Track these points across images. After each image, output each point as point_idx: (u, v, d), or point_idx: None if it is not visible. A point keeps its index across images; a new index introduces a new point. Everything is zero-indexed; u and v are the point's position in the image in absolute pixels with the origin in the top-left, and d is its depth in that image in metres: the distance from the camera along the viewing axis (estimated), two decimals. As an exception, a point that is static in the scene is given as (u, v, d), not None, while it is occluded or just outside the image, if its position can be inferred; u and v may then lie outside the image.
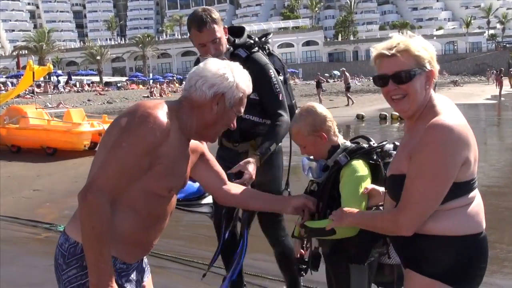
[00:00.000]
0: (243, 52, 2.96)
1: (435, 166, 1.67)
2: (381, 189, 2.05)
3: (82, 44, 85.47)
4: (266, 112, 3.01)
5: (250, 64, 2.92)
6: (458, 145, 1.67)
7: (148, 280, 1.96)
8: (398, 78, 1.73)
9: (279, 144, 3.15)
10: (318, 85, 26.09)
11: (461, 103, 22.65)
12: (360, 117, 18.06)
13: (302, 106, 2.32)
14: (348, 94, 24.24)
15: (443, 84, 40.73)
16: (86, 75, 56.43)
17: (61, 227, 5.57)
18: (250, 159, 2.70)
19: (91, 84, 50.21)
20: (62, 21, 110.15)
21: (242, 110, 1.90)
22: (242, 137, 3.04)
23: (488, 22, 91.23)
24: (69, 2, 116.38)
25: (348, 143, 2.25)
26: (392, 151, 2.20)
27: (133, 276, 1.82)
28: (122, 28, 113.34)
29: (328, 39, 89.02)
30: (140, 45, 70.10)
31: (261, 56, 3.04)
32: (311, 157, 2.34)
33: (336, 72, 62.19)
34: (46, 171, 9.36)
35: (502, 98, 26.49)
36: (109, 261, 1.59)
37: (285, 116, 3.00)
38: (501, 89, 28.16)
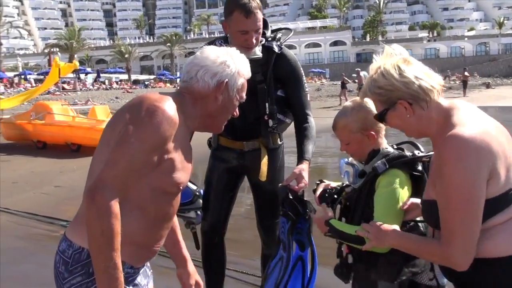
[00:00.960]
0: (276, 46, 2.79)
1: (460, 189, 1.50)
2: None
3: (111, 42, 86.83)
4: (293, 111, 2.86)
5: (283, 59, 2.80)
6: (478, 157, 1.49)
7: (150, 286, 1.84)
8: (378, 120, 1.77)
9: (283, 142, 3.01)
10: (343, 86, 25.36)
11: (493, 105, 21.97)
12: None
13: (353, 100, 2.15)
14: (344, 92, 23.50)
15: (474, 86, 39.60)
16: (115, 72, 57.17)
17: (78, 225, 5.50)
18: (303, 166, 2.59)
19: (119, 82, 50.85)
20: (93, 20, 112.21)
21: (244, 96, 1.81)
22: (251, 134, 2.86)
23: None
24: (100, 1, 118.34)
25: (391, 149, 2.07)
26: None
27: (139, 280, 1.73)
28: (151, 27, 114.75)
29: (356, 39, 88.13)
30: (168, 44, 70.58)
31: (291, 52, 2.89)
32: (349, 159, 2.18)
33: (365, 73, 61.56)
34: (69, 168, 9.38)
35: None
36: (119, 266, 1.46)
37: (312, 117, 2.87)
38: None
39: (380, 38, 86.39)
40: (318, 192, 2.21)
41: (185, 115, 1.66)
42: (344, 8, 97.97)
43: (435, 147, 1.67)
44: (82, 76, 45.00)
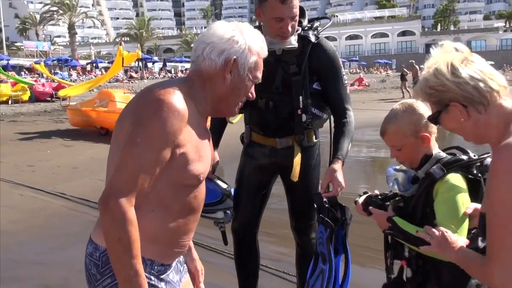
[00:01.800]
0: (312, 35, 2.59)
1: (505, 205, 1.33)
2: None
3: (179, 32, 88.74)
4: (331, 105, 2.66)
5: (319, 50, 2.60)
6: None
7: (185, 280, 1.78)
8: (430, 122, 1.63)
9: (319, 140, 2.81)
10: (403, 78, 23.85)
11: None
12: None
13: (401, 102, 2.01)
14: (410, 88, 21.74)
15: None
16: (181, 62, 58.33)
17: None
18: (335, 166, 2.41)
19: (184, 71, 51.87)
20: (162, 10, 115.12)
21: (260, 76, 1.66)
22: (284, 130, 2.67)
23: None
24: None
25: (443, 154, 1.94)
26: None
27: (171, 277, 1.66)
28: (217, 17, 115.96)
29: (426, 29, 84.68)
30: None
31: (329, 43, 2.68)
32: (398, 166, 2.02)
33: (422, 66, 58.99)
34: (126, 154, 9.59)
35: None
36: (141, 272, 1.42)
37: (352, 111, 2.66)
38: None
39: (452, 28, 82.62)
40: (361, 200, 2.06)
41: (196, 101, 1.56)
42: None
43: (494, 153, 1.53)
44: (149, 64, 46.25)
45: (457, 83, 1.46)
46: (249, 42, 1.59)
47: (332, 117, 2.71)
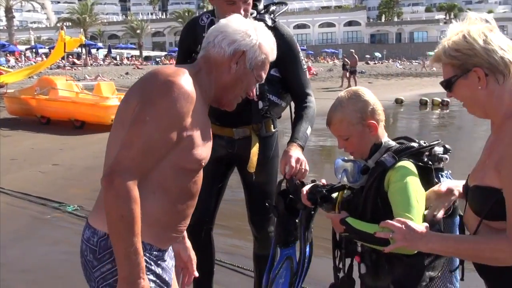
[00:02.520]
0: (269, 19, 2.47)
1: None
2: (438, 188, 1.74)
3: (124, 17, 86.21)
4: (291, 91, 2.54)
5: (276, 34, 2.43)
6: None
7: (172, 266, 1.75)
8: (444, 87, 1.61)
9: (277, 130, 2.69)
10: (344, 67, 24.02)
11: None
12: (399, 102, 17.24)
13: (346, 90, 1.94)
14: (352, 77, 22.23)
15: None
16: (126, 48, 56.82)
17: (70, 207, 5.32)
18: (287, 148, 2.26)
19: (130, 58, 50.54)
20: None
21: (264, 76, 1.69)
22: (241, 119, 2.52)
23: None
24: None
25: (392, 142, 1.89)
26: (442, 155, 1.82)
27: (167, 263, 1.65)
28: (164, 3, 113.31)
29: (371, 20, 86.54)
30: (180, 20, 69.72)
31: (286, 27, 2.57)
32: (347, 157, 1.94)
33: (378, 54, 60.62)
34: (70, 145, 9.18)
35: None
36: (140, 251, 1.42)
37: (313, 96, 2.55)
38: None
39: (395, 19, 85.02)
40: (307, 188, 1.97)
41: (201, 87, 1.57)
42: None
43: (500, 128, 1.53)
44: (93, 51, 44.74)
45: (487, 50, 1.47)
46: (261, 40, 1.63)
47: (292, 105, 2.61)
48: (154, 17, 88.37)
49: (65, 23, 56.63)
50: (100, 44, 54.05)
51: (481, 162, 1.58)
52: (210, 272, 2.91)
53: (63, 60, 28.98)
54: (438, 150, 1.85)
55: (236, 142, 2.60)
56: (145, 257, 1.46)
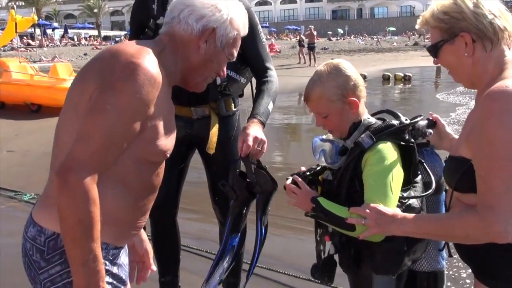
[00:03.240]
0: None
1: (506, 145, 1.27)
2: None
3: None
4: (250, 66, 2.40)
5: None
6: None
7: (126, 261, 1.62)
8: (430, 53, 1.53)
9: (238, 109, 2.55)
10: (300, 44, 23.95)
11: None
12: (362, 77, 17.34)
13: (326, 63, 1.78)
14: (312, 54, 22.17)
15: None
16: (83, 28, 55.02)
17: (26, 196, 5.06)
18: (247, 125, 2.09)
19: (88, 38, 48.97)
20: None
21: (235, 54, 1.55)
22: (199, 98, 2.35)
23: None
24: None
25: (372, 119, 1.78)
26: (427, 130, 1.74)
27: (123, 259, 1.52)
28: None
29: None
30: (140, -2, 67.99)
31: None
32: (325, 136, 1.81)
33: (340, 30, 60.82)
34: (26, 130, 8.79)
35: None
36: (100, 257, 1.27)
37: (274, 71, 2.41)
38: None
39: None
40: (289, 181, 1.82)
41: (166, 69, 1.40)
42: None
43: (478, 100, 1.45)
44: (49, 31, 43.10)
45: (476, 13, 1.40)
46: (233, 14, 1.47)
47: (254, 81, 2.46)
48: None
49: (16, 3, 54.30)
50: (55, 24, 52.22)
51: (460, 134, 1.53)
52: (176, 259, 2.77)
53: (16, 42, 27.77)
54: (422, 124, 1.75)
55: (195, 122, 2.46)
56: None
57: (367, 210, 1.49)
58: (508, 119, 1.28)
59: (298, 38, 24.80)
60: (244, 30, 1.54)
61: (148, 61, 1.31)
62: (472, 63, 1.43)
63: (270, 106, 2.28)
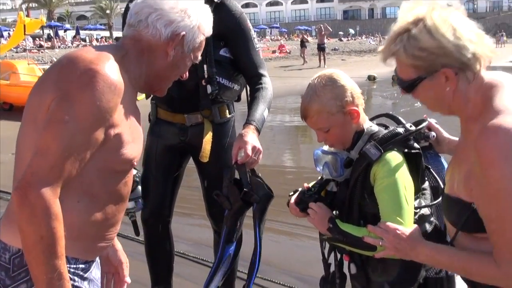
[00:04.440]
0: None
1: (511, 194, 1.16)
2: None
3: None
4: (244, 72, 2.34)
5: (223, 11, 2.26)
6: None
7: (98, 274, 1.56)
8: (402, 88, 1.37)
9: (233, 116, 2.49)
10: (302, 44, 23.60)
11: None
12: (371, 79, 17.17)
13: (318, 75, 1.70)
14: (322, 54, 21.72)
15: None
16: (95, 29, 55.36)
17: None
18: (243, 131, 2.04)
19: (100, 39, 49.29)
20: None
21: (199, 56, 1.52)
22: (192, 105, 2.33)
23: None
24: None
25: (375, 127, 1.71)
26: (429, 133, 1.66)
27: (94, 274, 1.45)
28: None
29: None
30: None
31: (235, 3, 2.34)
32: (326, 148, 1.74)
33: (351, 30, 60.53)
34: (33, 132, 8.77)
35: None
36: (65, 274, 1.22)
37: (268, 77, 2.34)
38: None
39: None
40: (294, 199, 1.77)
41: (129, 74, 1.36)
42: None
43: (466, 130, 1.35)
44: (61, 32, 43.48)
45: (458, 46, 1.24)
46: (201, 19, 1.44)
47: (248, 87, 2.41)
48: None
49: (30, 4, 54.90)
50: (68, 26, 52.67)
51: (450, 167, 1.44)
52: (169, 268, 2.73)
53: (29, 43, 28.02)
54: (424, 125, 1.70)
55: (188, 129, 2.41)
56: (69, 273, 1.27)
57: (386, 234, 1.43)
58: (507, 166, 1.18)
59: (301, 38, 24.37)
60: (209, 32, 1.50)
61: (108, 67, 1.26)
62: (452, 95, 1.31)
63: (266, 113, 2.23)
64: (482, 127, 1.21)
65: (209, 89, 2.26)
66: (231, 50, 2.31)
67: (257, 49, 2.36)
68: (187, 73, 1.55)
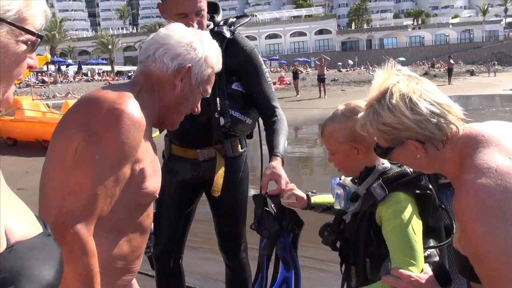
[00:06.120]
0: (227, 30, 2.32)
1: (492, 257, 1.18)
2: None
3: (94, 33, 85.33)
4: (257, 106, 2.39)
5: (235, 46, 2.33)
6: (503, 213, 1.17)
7: None
8: (377, 154, 1.49)
9: (246, 150, 2.52)
10: (295, 76, 23.35)
11: (477, 94, 21.73)
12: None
13: (349, 102, 1.75)
14: (322, 85, 21.54)
15: (459, 73, 39.49)
16: (97, 64, 56.07)
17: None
18: (274, 163, 2.09)
19: (102, 74, 49.85)
20: (75, 10, 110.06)
21: (210, 90, 1.55)
22: (205, 140, 2.36)
23: (506, 10, 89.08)
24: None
25: (388, 164, 1.69)
26: None
27: None
28: (134, 17, 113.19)
29: (342, 28, 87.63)
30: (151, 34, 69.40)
31: (246, 39, 2.42)
32: (341, 179, 1.78)
33: (350, 62, 61.22)
34: (37, 167, 8.77)
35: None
36: None
37: (281, 109, 2.40)
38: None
39: (365, 26, 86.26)
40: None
41: (145, 110, 1.38)
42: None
43: (454, 187, 1.35)
44: (63, 68, 44.03)
45: (418, 121, 1.30)
46: (207, 52, 1.47)
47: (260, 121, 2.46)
48: (125, 31, 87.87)
49: (33, 41, 55.65)
50: (70, 61, 53.30)
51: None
52: None
53: (32, 79, 28.35)
54: None
55: (201, 165, 2.42)
56: None
57: (399, 279, 1.44)
58: (482, 228, 1.19)
59: (293, 69, 24.36)
60: (218, 67, 1.54)
61: (131, 105, 1.30)
62: (428, 160, 1.36)
63: (286, 144, 2.29)
64: (456, 189, 1.26)
65: (222, 121, 2.29)
66: (244, 84, 2.35)
67: (269, 83, 2.41)
68: (200, 107, 1.59)
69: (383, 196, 1.57)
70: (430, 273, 1.46)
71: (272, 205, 2.00)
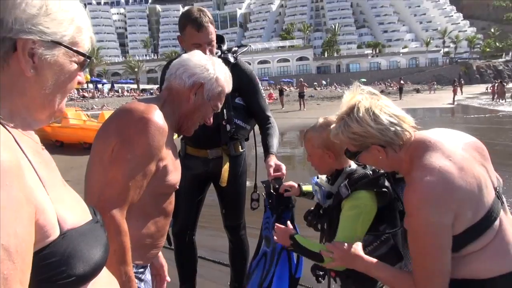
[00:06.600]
0: (231, 57, 2.35)
1: (423, 240, 1.21)
2: None
3: (123, 58, 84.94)
4: (255, 116, 2.41)
5: (238, 70, 2.33)
6: (439, 206, 1.19)
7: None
8: (347, 157, 1.50)
9: (245, 151, 2.54)
10: (281, 93, 24.11)
11: (422, 107, 21.88)
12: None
13: (326, 117, 1.74)
14: (302, 100, 22.21)
15: (408, 91, 39.71)
16: (126, 83, 55.75)
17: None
18: (272, 158, 2.14)
19: (129, 91, 49.60)
20: (108, 41, 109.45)
21: (220, 106, 1.52)
22: (213, 142, 2.39)
23: (444, 42, 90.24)
24: (114, 26, 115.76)
25: (354, 166, 1.68)
26: None
27: (148, 276, 1.48)
28: (155, 46, 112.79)
29: (317, 55, 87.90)
30: (168, 59, 69.09)
31: (246, 64, 2.45)
32: (318, 179, 1.78)
33: (324, 82, 61.34)
34: (79, 163, 8.75)
35: (456, 104, 25.45)
36: (133, 277, 1.24)
37: (273, 117, 2.44)
38: (454, 95, 27.10)
39: (335, 54, 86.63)
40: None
41: (167, 118, 1.37)
42: (307, 31, 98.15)
43: (407, 181, 1.37)
44: (99, 86, 43.80)
45: (380, 130, 1.32)
46: (218, 74, 1.47)
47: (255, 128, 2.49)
48: (148, 57, 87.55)
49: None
50: (105, 80, 53.11)
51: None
52: (194, 269, 2.73)
53: (75, 94, 28.19)
54: None
55: (211, 162, 2.44)
56: None
57: (335, 247, 1.45)
58: (422, 215, 1.20)
59: (279, 88, 24.73)
60: (228, 87, 1.52)
61: (157, 115, 1.30)
62: (388, 160, 1.38)
63: (277, 143, 2.35)
64: (407, 183, 1.28)
65: (228, 127, 2.32)
66: (244, 99, 2.38)
67: (263, 98, 2.44)
68: (212, 118, 1.58)
69: (347, 194, 1.58)
70: (361, 252, 1.45)
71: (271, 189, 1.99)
